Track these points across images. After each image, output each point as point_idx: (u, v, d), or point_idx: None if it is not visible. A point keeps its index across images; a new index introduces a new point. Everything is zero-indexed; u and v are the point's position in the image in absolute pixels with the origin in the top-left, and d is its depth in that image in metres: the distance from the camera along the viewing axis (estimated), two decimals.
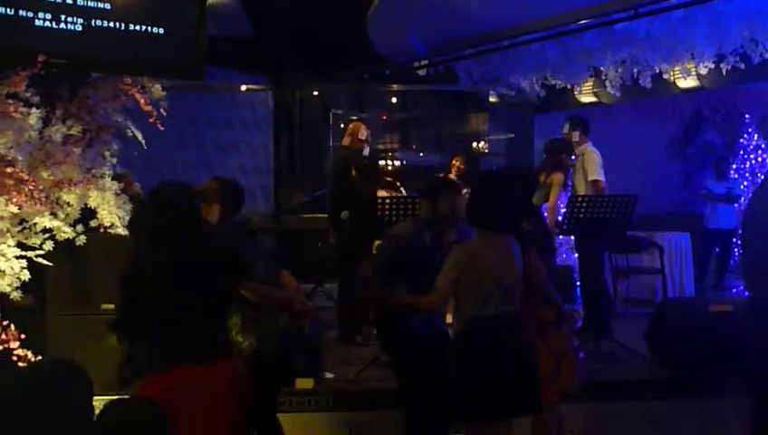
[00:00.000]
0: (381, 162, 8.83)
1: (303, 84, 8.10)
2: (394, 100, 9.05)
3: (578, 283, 5.65)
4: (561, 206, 5.41)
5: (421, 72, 7.98)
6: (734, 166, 9.00)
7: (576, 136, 5.77)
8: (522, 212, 3.45)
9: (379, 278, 3.59)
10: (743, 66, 7.57)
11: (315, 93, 8.68)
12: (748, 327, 3.86)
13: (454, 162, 6.29)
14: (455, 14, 6.46)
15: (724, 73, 7.78)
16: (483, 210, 3.17)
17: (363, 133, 5.70)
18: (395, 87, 8.60)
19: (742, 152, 9.12)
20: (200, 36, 4.34)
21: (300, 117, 8.55)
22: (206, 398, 2.55)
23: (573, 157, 5.63)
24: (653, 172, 9.59)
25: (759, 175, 8.66)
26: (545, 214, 5.62)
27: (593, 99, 9.02)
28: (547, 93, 9.02)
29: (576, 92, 9.03)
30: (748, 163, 9.04)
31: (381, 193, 5.79)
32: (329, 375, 4.41)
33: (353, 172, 5.61)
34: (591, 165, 5.63)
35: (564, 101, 9.15)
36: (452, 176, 6.22)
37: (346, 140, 5.74)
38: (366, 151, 5.77)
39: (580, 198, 5.10)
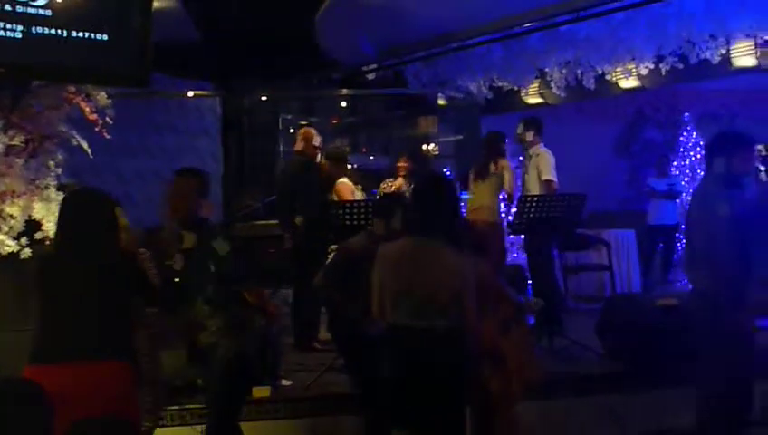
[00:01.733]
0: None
1: (252, 90, 8.03)
2: (344, 104, 9.06)
3: (529, 281, 5.77)
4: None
5: (370, 76, 8.00)
6: (675, 163, 9.29)
7: (530, 136, 5.90)
8: (457, 219, 3.43)
9: (330, 286, 3.62)
10: (681, 66, 7.84)
11: (264, 99, 8.61)
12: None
13: (400, 164, 6.38)
14: (402, 17, 6.50)
15: (664, 73, 8.04)
16: (417, 217, 3.18)
17: (317, 139, 5.71)
18: (344, 91, 8.61)
19: (682, 149, 9.41)
20: (145, 43, 4.24)
21: (249, 122, 8.48)
22: (79, 396, 2.55)
23: (522, 157, 5.76)
24: (599, 171, 9.81)
25: (699, 171, 8.95)
26: (505, 201, 5.77)
27: (539, 100, 9.18)
28: (494, 95, 9.13)
29: (522, 94, 9.18)
30: (688, 160, 9.34)
31: (345, 181, 5.85)
32: (285, 382, 4.39)
33: (323, 160, 5.70)
34: (545, 165, 5.75)
35: (511, 102, 9.29)
36: (400, 177, 6.30)
37: (299, 145, 5.73)
38: (318, 158, 5.79)
39: (529, 198, 5.20)
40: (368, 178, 7.81)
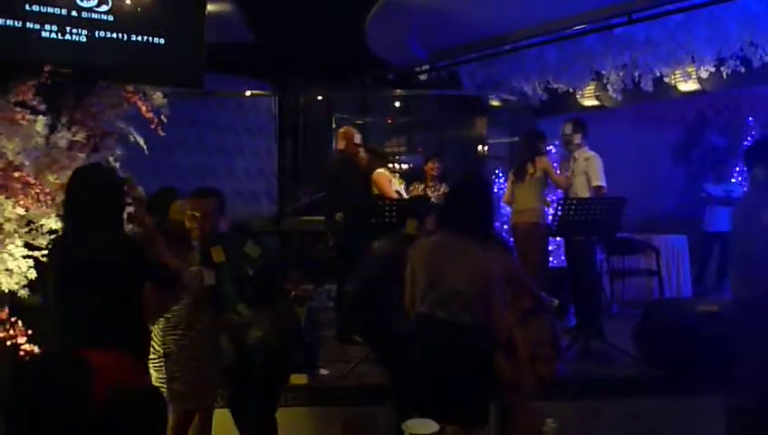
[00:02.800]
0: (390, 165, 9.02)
1: (306, 89, 8.27)
2: (397, 104, 9.19)
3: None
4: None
5: (423, 77, 8.11)
6: (738, 169, 9.03)
7: (578, 138, 5.89)
8: (491, 218, 3.52)
9: (362, 295, 3.76)
10: (743, 70, 7.63)
11: (319, 98, 8.84)
12: (729, 327, 3.98)
13: (428, 166, 6.50)
14: (453, 19, 6.58)
15: (725, 77, 7.84)
16: (453, 214, 3.32)
17: (357, 138, 5.88)
18: (397, 92, 8.74)
19: None
20: (199, 46, 4.50)
21: (304, 121, 8.72)
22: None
23: (569, 156, 5.77)
24: (657, 175, 9.64)
25: None
26: (561, 196, 5.81)
27: (595, 102, 9.08)
28: (549, 97, 9.10)
29: (578, 96, 9.10)
30: None
31: (383, 171, 5.99)
32: (323, 372, 4.57)
33: (362, 154, 5.86)
34: (595, 170, 5.73)
35: (567, 104, 9.21)
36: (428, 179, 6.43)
37: (341, 144, 5.91)
38: (362, 154, 5.95)
39: (569, 201, 5.22)
40: (421, 178, 7.95)
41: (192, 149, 7.76)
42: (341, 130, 6.06)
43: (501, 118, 9.36)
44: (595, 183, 5.65)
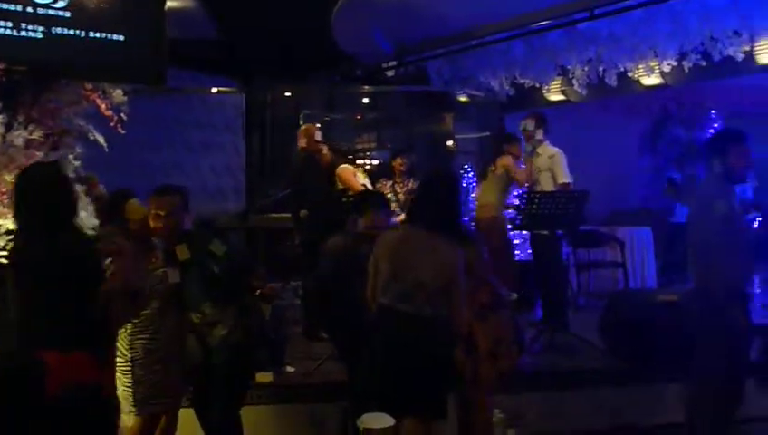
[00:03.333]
0: (359, 161, 9.01)
1: (273, 86, 8.23)
2: (366, 100, 9.18)
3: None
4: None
5: (390, 73, 8.12)
6: (702, 161, 9.18)
7: (540, 134, 5.93)
8: (457, 213, 3.54)
9: (318, 291, 3.76)
10: (704, 64, 7.76)
11: (288, 94, 8.80)
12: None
13: (395, 163, 6.54)
14: (420, 14, 6.59)
15: (687, 71, 7.97)
16: (420, 208, 3.34)
17: (318, 135, 5.88)
18: (365, 88, 8.73)
19: None
20: (160, 42, 4.47)
21: (271, 118, 8.66)
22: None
23: (531, 151, 5.83)
24: (624, 168, 9.77)
25: None
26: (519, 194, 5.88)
27: (561, 97, 9.17)
28: (516, 92, 9.16)
29: (544, 91, 9.17)
30: None
31: (346, 166, 5.99)
32: (290, 369, 4.56)
33: (324, 151, 5.86)
34: (560, 168, 5.79)
35: (533, 99, 9.29)
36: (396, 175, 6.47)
37: (302, 142, 5.90)
38: (325, 151, 5.96)
39: (531, 195, 5.27)
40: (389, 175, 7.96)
41: (159, 147, 7.68)
42: (302, 127, 6.06)
43: (469, 113, 9.40)
44: (561, 180, 5.71)
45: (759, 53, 7.62)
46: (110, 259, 2.93)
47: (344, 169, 5.99)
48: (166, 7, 4.82)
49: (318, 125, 6.24)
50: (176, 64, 7.62)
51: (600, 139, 9.58)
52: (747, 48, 7.57)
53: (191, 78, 7.89)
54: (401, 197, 6.41)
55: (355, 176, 5.95)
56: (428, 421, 3.21)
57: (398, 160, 6.56)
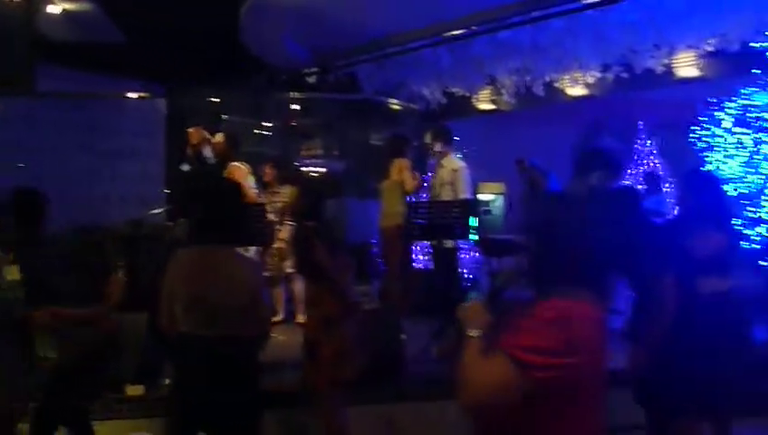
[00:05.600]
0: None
1: (192, 91, 8.08)
2: (294, 107, 9.08)
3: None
4: None
5: (311, 80, 8.06)
6: (630, 171, 9.30)
7: (439, 146, 5.95)
8: (241, 223, 3.27)
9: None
10: (626, 75, 7.87)
11: (216, 100, 8.67)
12: None
13: (264, 172, 6.52)
14: (332, 20, 6.55)
15: (610, 82, 8.08)
16: (203, 225, 3.05)
17: (195, 137, 5.81)
18: (291, 95, 8.65)
19: (636, 157, 9.44)
20: (23, 47, 4.34)
21: (192, 124, 8.48)
22: None
23: (436, 163, 5.82)
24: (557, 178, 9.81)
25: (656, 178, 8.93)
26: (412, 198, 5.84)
27: (492, 106, 9.22)
28: (448, 101, 9.19)
29: (474, 100, 9.22)
30: (642, 168, 9.36)
31: (239, 165, 5.95)
32: (167, 382, 4.44)
33: (222, 140, 5.75)
34: (461, 183, 5.81)
35: (465, 108, 9.33)
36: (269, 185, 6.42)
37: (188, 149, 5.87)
38: (207, 152, 5.86)
39: (414, 205, 5.29)
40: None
41: (71, 153, 7.46)
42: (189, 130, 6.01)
43: (406, 121, 9.33)
44: (461, 195, 5.69)
45: (677, 67, 7.75)
46: None
47: (237, 167, 5.88)
48: (60, 10, 4.71)
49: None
50: (94, 69, 7.47)
51: (532, 148, 9.64)
52: (666, 61, 7.71)
53: (112, 83, 7.72)
54: (278, 205, 6.38)
55: (245, 179, 5.79)
56: None
57: (267, 170, 6.53)
